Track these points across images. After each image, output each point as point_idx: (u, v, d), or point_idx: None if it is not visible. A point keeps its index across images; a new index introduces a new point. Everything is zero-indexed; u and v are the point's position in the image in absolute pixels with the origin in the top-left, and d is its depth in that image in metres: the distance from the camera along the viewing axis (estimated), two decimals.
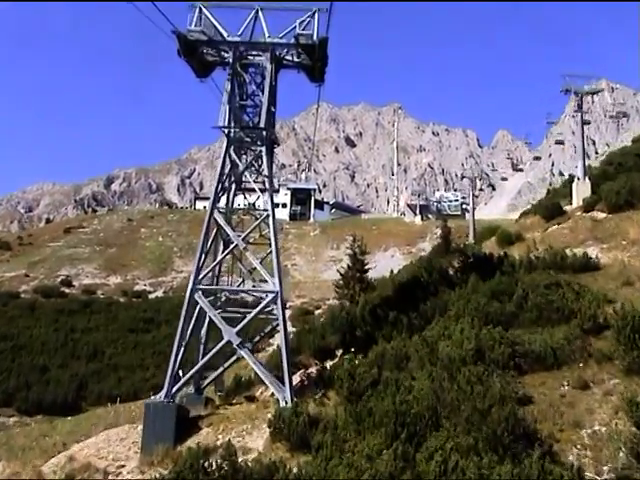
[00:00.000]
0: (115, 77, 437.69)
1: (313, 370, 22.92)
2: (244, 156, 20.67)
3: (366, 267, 28.21)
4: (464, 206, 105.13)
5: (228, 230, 18.46)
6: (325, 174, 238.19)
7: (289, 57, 20.78)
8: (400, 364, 16.82)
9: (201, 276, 18.05)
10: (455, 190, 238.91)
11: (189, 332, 18.64)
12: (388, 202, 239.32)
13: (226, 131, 18.72)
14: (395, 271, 65.51)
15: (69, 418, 34.18)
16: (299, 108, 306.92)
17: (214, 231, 19.33)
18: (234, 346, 17.66)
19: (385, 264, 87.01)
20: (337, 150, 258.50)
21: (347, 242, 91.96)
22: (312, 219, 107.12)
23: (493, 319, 17.55)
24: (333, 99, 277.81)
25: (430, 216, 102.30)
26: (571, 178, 37.51)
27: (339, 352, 22.99)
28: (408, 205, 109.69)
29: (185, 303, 17.90)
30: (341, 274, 28.28)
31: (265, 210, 18.41)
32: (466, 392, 13.33)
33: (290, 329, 63.01)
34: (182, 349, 17.81)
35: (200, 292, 17.96)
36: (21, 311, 61.02)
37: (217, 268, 20.14)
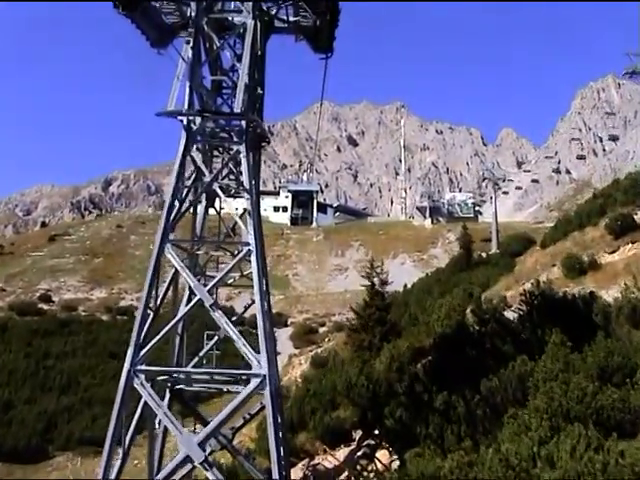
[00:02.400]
0: (115, 77, 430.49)
1: (321, 462, 16.38)
2: (218, 159, 14.10)
3: (387, 301, 21.58)
4: (477, 208, 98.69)
5: (187, 277, 11.83)
6: (327, 174, 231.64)
7: (282, 16, 14.28)
8: None
9: (145, 350, 11.43)
10: (460, 190, 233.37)
11: (130, 434, 12.03)
12: (392, 202, 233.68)
13: (184, 120, 12.14)
14: (409, 284, 59.36)
15: None
16: (300, 107, 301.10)
17: (171, 274, 12.75)
18: (196, 464, 11.06)
19: (395, 273, 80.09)
20: (339, 149, 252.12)
21: (353, 248, 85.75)
22: (315, 223, 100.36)
23: (611, 419, 10.95)
24: (334, 97, 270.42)
25: (441, 219, 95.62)
26: (634, 181, 30.72)
27: (357, 434, 16.41)
28: (417, 208, 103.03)
29: (119, 393, 11.36)
30: (356, 312, 21.60)
31: (246, 244, 11.73)
32: None
33: (290, 350, 56.54)
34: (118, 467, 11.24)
35: (143, 376, 11.36)
36: None
37: (178, 328, 13.50)
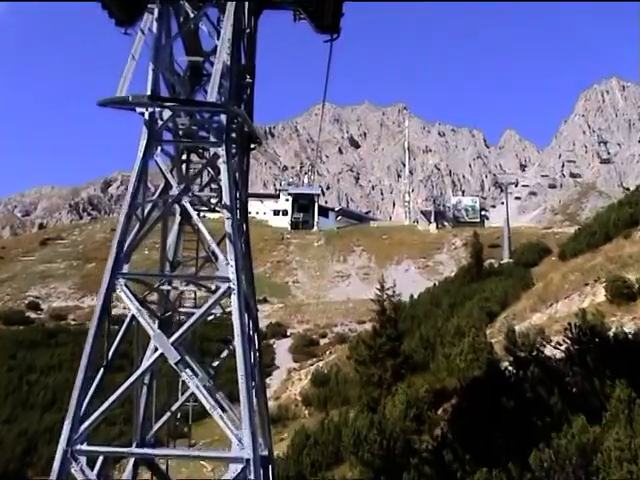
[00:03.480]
0: (115, 76, 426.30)
1: None
2: (193, 164, 11.18)
3: (400, 329, 18.59)
4: (483, 212, 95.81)
5: (146, 324, 8.89)
6: (329, 176, 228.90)
7: None
8: None
9: (88, 423, 8.48)
10: (463, 192, 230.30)
11: None
12: (394, 205, 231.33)
13: (145, 114, 9.22)
14: (414, 292, 56.38)
15: None
16: (302, 108, 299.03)
17: (130, 316, 9.80)
18: None
19: (399, 280, 76.70)
20: (340, 151, 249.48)
21: (355, 254, 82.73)
22: (316, 227, 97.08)
23: None
24: (336, 99, 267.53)
25: (446, 224, 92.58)
26: None
27: None
28: (422, 212, 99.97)
29: None
30: (364, 342, 18.59)
31: (225, 279, 8.79)
32: None
33: (289, 364, 53.55)
34: None
35: (84, 459, 8.42)
36: None
37: (145, 378, 10.54)
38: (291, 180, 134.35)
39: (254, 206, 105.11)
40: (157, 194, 9.94)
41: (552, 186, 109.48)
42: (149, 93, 9.13)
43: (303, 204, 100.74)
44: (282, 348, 54.86)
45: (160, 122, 9.37)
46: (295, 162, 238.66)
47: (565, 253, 39.01)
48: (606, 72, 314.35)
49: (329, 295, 69.92)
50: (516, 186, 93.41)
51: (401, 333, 18.38)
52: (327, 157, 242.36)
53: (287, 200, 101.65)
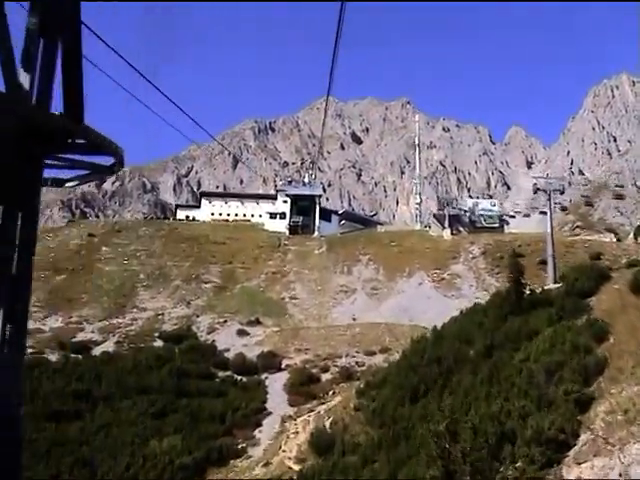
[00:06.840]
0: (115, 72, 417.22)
1: None
2: None
3: None
4: (503, 217, 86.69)
5: None
6: (330, 172, 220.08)
7: None
8: None
9: None
10: (469, 190, 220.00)
11: None
12: (397, 203, 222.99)
13: None
14: (430, 311, 46.95)
15: None
16: (303, 102, 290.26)
17: None
18: None
19: (412, 297, 67.72)
20: (343, 147, 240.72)
21: (361, 264, 72.69)
22: (317, 233, 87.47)
23: None
24: (338, 93, 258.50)
25: (461, 229, 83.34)
26: None
27: None
28: (434, 215, 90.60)
29: None
30: None
31: None
32: None
33: (285, 408, 44.27)
34: None
35: None
36: None
37: None
38: (290, 178, 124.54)
39: (249, 208, 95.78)
40: None
41: (621, 198, 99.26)
42: None
43: (303, 206, 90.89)
44: (276, 385, 45.78)
45: None
46: (296, 158, 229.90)
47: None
48: (615, 68, 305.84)
49: (331, 315, 60.76)
50: (562, 193, 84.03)
51: None
52: (329, 153, 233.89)
53: (285, 202, 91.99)
